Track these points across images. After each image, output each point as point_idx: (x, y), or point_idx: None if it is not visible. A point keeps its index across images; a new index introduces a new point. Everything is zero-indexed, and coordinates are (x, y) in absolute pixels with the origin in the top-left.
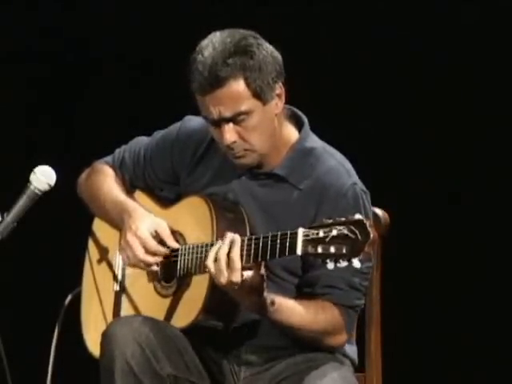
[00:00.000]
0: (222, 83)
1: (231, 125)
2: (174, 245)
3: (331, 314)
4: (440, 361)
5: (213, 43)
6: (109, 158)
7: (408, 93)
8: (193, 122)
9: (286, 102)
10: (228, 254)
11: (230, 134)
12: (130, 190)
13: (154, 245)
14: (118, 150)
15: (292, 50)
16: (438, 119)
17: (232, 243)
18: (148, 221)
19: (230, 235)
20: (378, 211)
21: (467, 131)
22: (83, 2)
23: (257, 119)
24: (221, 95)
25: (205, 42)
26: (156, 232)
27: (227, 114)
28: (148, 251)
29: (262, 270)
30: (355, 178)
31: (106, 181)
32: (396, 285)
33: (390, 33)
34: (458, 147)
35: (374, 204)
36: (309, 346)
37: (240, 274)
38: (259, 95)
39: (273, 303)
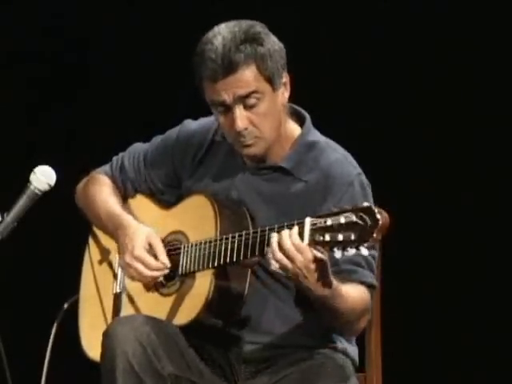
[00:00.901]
0: (235, 69)
1: (243, 110)
2: (165, 261)
3: (366, 296)
4: (440, 361)
5: (221, 33)
6: (107, 167)
7: (408, 93)
8: (192, 124)
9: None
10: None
11: (242, 119)
12: (129, 196)
13: (153, 262)
14: (115, 158)
15: (292, 49)
16: (438, 119)
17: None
18: (140, 237)
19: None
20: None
21: (467, 131)
22: (83, 2)
23: (267, 104)
24: (234, 80)
25: (211, 34)
26: (149, 244)
27: (241, 93)
28: (150, 268)
29: (324, 254)
30: (359, 169)
31: (102, 191)
32: (396, 285)
33: (390, 33)
34: (458, 147)
35: (374, 204)
36: (340, 329)
37: (309, 251)
38: (271, 80)
39: (336, 286)
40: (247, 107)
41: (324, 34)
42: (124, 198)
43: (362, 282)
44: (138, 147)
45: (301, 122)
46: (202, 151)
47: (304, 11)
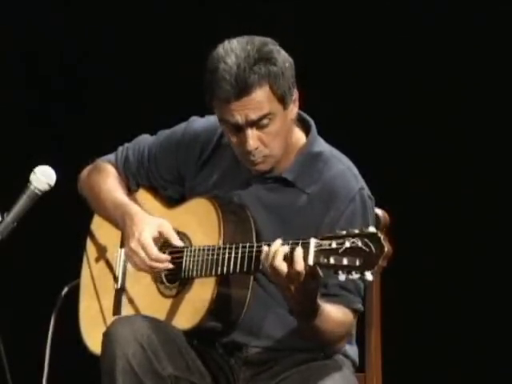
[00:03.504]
0: (250, 90)
1: (255, 130)
2: (179, 243)
3: (349, 320)
4: (440, 361)
5: (233, 51)
6: (111, 156)
7: (408, 92)
8: (198, 122)
9: None
10: (292, 252)
11: (253, 140)
12: (132, 190)
13: (155, 252)
14: (120, 148)
15: (292, 49)
16: (438, 119)
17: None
18: (150, 225)
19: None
20: (378, 211)
21: (467, 130)
22: (84, 3)
23: (279, 124)
24: (248, 102)
25: (222, 50)
26: (159, 233)
27: (253, 117)
28: (152, 258)
29: (321, 273)
30: (362, 182)
31: (108, 180)
32: (396, 285)
33: (389, 32)
34: (459, 147)
35: (374, 204)
36: (320, 346)
37: (303, 268)
38: (283, 99)
39: (320, 306)
40: (259, 127)
41: (323, 34)
42: (127, 189)
43: (349, 307)
44: (144, 140)
45: (306, 129)
46: (207, 153)
47: (303, 12)
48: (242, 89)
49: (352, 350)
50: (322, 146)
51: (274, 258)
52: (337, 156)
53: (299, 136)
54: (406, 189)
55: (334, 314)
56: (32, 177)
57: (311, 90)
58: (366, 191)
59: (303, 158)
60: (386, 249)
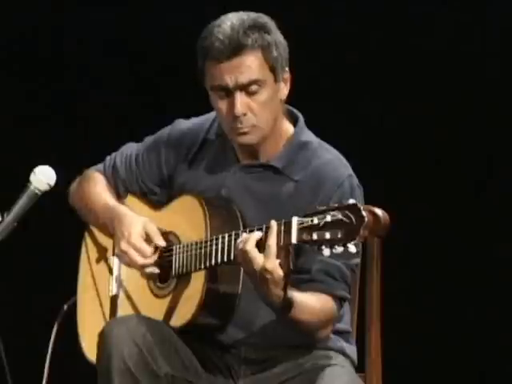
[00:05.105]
0: (242, 51)
1: (244, 96)
2: (161, 243)
3: (330, 307)
4: (440, 361)
5: (229, 19)
6: (99, 166)
7: (408, 92)
8: (183, 124)
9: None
10: (265, 241)
11: (241, 104)
12: (121, 195)
13: (147, 249)
14: (108, 157)
15: (291, 49)
16: (438, 119)
17: (269, 229)
18: (138, 225)
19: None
20: (378, 211)
21: (468, 131)
22: (84, 2)
23: (268, 94)
24: (239, 63)
25: (218, 20)
26: (146, 233)
27: (243, 80)
28: (144, 256)
29: (291, 264)
30: (351, 171)
31: (97, 187)
32: (396, 285)
33: (389, 31)
34: (458, 146)
35: (374, 204)
36: (303, 334)
37: (274, 260)
38: (274, 69)
39: (292, 298)
40: (248, 93)
41: (320, 33)
42: (116, 196)
43: (332, 294)
44: (131, 147)
45: (294, 121)
46: (194, 150)
47: (299, 11)
48: (235, 48)
49: (351, 349)
50: (309, 136)
51: (245, 243)
52: (325, 146)
53: (287, 126)
54: (406, 189)
55: (311, 304)
56: (32, 177)
57: (309, 89)
58: (355, 179)
59: (291, 146)
60: (366, 219)
